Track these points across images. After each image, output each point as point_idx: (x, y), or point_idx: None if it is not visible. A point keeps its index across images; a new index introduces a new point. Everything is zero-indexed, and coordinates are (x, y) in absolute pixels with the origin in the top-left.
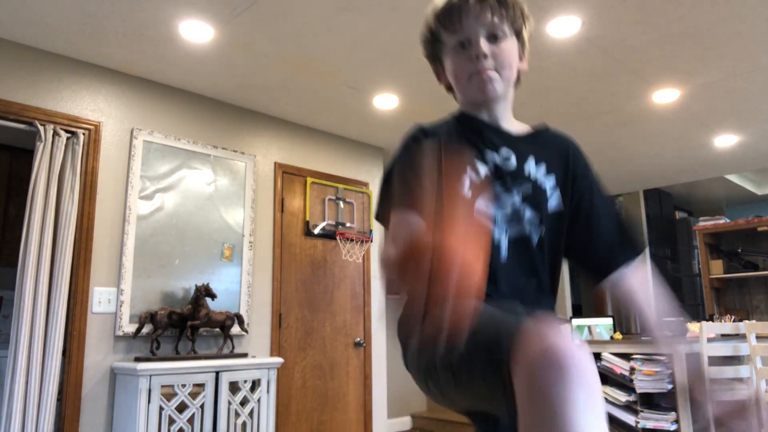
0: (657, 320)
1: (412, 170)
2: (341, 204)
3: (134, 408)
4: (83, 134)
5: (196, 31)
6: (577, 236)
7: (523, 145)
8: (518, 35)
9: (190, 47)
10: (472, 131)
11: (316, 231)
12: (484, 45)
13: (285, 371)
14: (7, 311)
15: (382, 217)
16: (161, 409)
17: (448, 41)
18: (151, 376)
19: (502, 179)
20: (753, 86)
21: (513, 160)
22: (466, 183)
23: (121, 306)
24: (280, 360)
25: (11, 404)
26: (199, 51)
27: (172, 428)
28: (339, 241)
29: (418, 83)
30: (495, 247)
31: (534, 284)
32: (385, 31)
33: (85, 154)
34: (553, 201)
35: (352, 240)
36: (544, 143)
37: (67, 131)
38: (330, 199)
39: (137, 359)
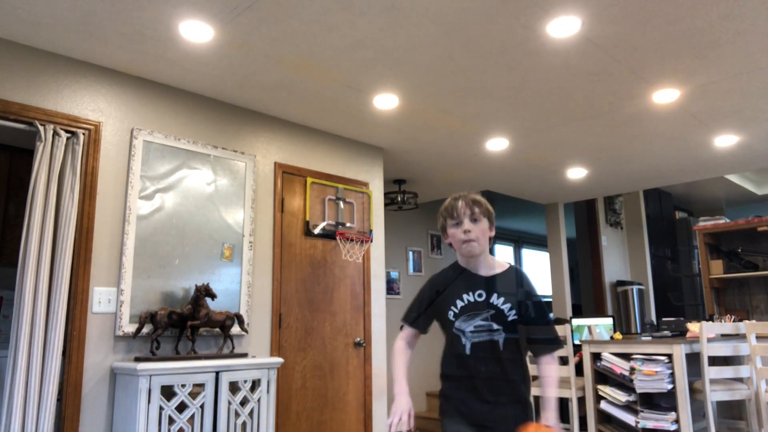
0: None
1: (420, 301)
2: (341, 204)
3: (134, 408)
4: (83, 134)
5: (196, 31)
6: (521, 329)
7: (491, 285)
8: (489, 218)
9: (190, 47)
10: (461, 277)
11: (316, 231)
12: (468, 224)
13: (285, 371)
14: (7, 311)
15: (402, 320)
16: (161, 409)
17: (449, 222)
18: (151, 376)
19: (475, 309)
20: (753, 86)
21: (484, 296)
22: (451, 312)
23: (121, 306)
24: (280, 360)
25: (11, 404)
26: (199, 51)
27: (172, 428)
28: (339, 241)
29: (418, 83)
30: (462, 347)
31: (498, 370)
32: (385, 31)
33: (85, 154)
34: (511, 316)
35: (352, 240)
36: (506, 281)
37: (67, 131)
38: (330, 199)
39: (137, 359)
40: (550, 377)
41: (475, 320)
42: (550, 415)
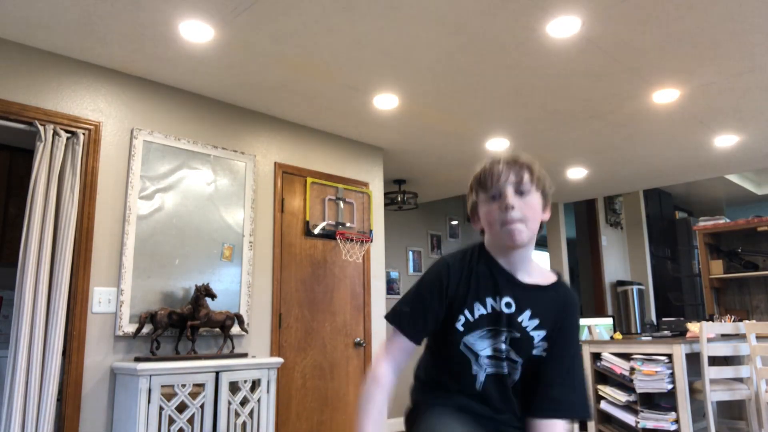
0: None
1: (427, 299)
2: (341, 204)
3: (134, 408)
4: (83, 134)
5: (196, 31)
6: (539, 369)
7: (527, 297)
8: (543, 192)
9: (190, 47)
10: (487, 273)
11: (316, 231)
12: (512, 197)
13: (285, 371)
14: (7, 311)
15: (390, 319)
16: (161, 409)
17: (482, 196)
18: (151, 376)
19: (496, 324)
20: (753, 86)
21: (512, 309)
22: (462, 320)
23: (121, 306)
24: (280, 360)
25: (11, 404)
26: (199, 51)
27: (172, 428)
28: (339, 241)
29: (418, 83)
30: (472, 378)
31: (506, 415)
32: (385, 31)
33: (85, 154)
34: (538, 350)
35: (352, 240)
36: (547, 299)
37: (67, 131)
38: (330, 199)
39: (137, 359)
40: None
41: (497, 341)
42: None
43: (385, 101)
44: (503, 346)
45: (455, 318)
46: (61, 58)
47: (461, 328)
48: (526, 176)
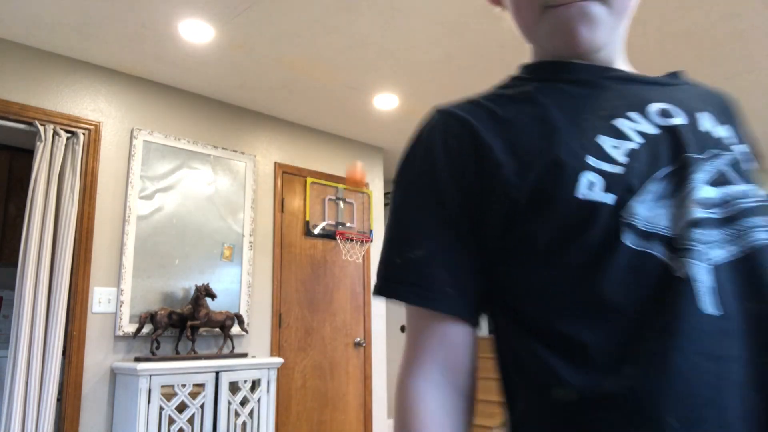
0: None
1: (429, 214)
2: (341, 204)
3: (134, 408)
4: (83, 134)
5: (196, 31)
6: None
7: (682, 94)
8: None
9: (190, 47)
10: (575, 87)
11: (316, 231)
12: None
13: (285, 371)
14: (7, 311)
15: (386, 290)
16: (161, 409)
17: None
18: (151, 376)
19: (676, 151)
20: (753, 86)
21: (682, 116)
22: (589, 183)
23: (121, 306)
24: (280, 360)
25: (11, 404)
26: (199, 51)
27: (172, 428)
28: (339, 241)
29: (418, 83)
30: (687, 291)
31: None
32: (385, 31)
33: (85, 154)
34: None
35: (352, 240)
36: (701, 95)
37: (67, 131)
38: (330, 199)
39: (137, 359)
40: None
41: (704, 179)
42: None
43: (385, 101)
44: (731, 190)
45: (565, 190)
46: (61, 58)
47: (605, 197)
48: None
